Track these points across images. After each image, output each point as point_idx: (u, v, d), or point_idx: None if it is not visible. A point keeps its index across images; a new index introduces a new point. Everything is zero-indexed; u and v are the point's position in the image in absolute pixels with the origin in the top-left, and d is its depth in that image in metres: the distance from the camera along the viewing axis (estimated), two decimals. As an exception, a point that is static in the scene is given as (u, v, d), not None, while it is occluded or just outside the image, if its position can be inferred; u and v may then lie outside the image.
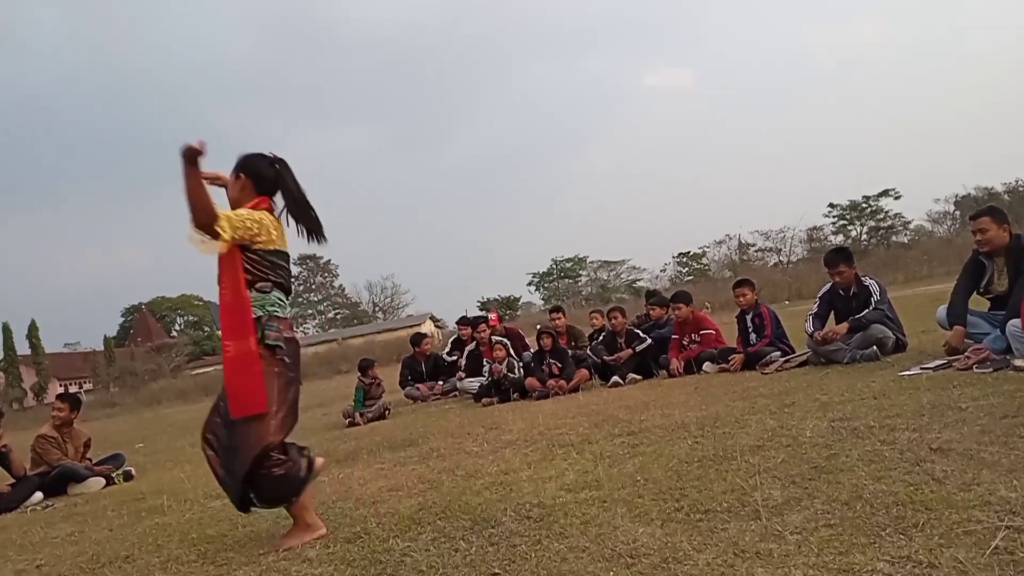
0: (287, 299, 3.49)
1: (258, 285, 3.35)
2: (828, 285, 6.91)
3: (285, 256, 3.47)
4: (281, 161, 3.53)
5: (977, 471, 2.61)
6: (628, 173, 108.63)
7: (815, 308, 6.88)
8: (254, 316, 3.29)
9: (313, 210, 3.57)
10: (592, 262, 73.32)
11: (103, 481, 6.83)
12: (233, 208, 3.44)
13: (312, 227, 3.56)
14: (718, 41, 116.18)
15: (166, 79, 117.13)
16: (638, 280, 69.02)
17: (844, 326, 6.40)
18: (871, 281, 6.64)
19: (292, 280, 3.55)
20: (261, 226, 3.34)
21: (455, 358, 10.96)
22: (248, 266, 3.32)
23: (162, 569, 3.22)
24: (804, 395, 4.97)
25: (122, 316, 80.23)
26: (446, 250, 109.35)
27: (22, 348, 57.09)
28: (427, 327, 48.69)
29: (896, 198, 59.43)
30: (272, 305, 3.37)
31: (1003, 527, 2.06)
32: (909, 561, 1.97)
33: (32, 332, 57.23)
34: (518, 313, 62.00)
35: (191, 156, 3.09)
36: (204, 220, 3.09)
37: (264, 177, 3.51)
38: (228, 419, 3.25)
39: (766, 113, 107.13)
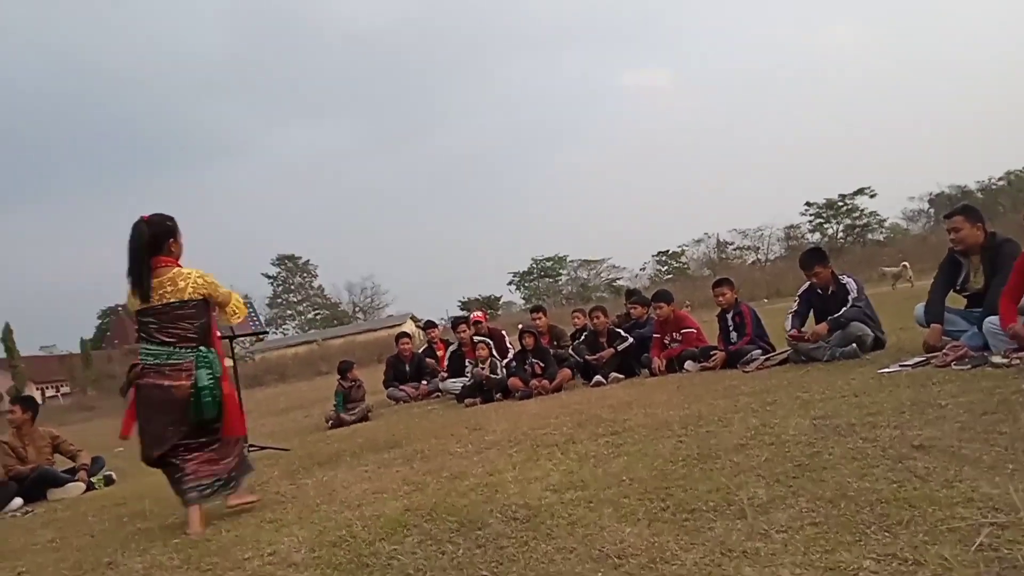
0: (152, 347, 4.02)
1: None
2: (807, 284, 6.96)
3: (143, 312, 4.03)
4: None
5: (959, 468, 2.64)
6: (607, 172, 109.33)
7: (795, 306, 6.94)
8: None
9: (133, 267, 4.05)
10: (572, 261, 73.65)
11: (83, 486, 6.75)
12: None
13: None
14: (694, 41, 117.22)
15: (144, 76, 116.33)
16: (618, 279, 69.45)
17: (823, 326, 6.46)
18: (848, 279, 6.69)
19: (156, 329, 4.01)
20: (129, 295, 4.09)
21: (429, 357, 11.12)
22: None
23: (145, 574, 3.19)
24: (785, 393, 5.00)
25: (98, 318, 79.38)
26: (426, 249, 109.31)
27: (-4, 352, 56.32)
28: (408, 327, 48.54)
29: (871, 196, 60.30)
30: (141, 356, 4.06)
31: (987, 524, 2.09)
32: (895, 559, 1.99)
33: (7, 335, 56.35)
34: (499, 312, 61.95)
35: None
36: None
37: None
38: None
39: (743, 112, 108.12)
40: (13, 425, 7.06)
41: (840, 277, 6.72)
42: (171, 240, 4.13)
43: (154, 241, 4.03)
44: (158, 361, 3.97)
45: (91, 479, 6.88)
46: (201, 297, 4.08)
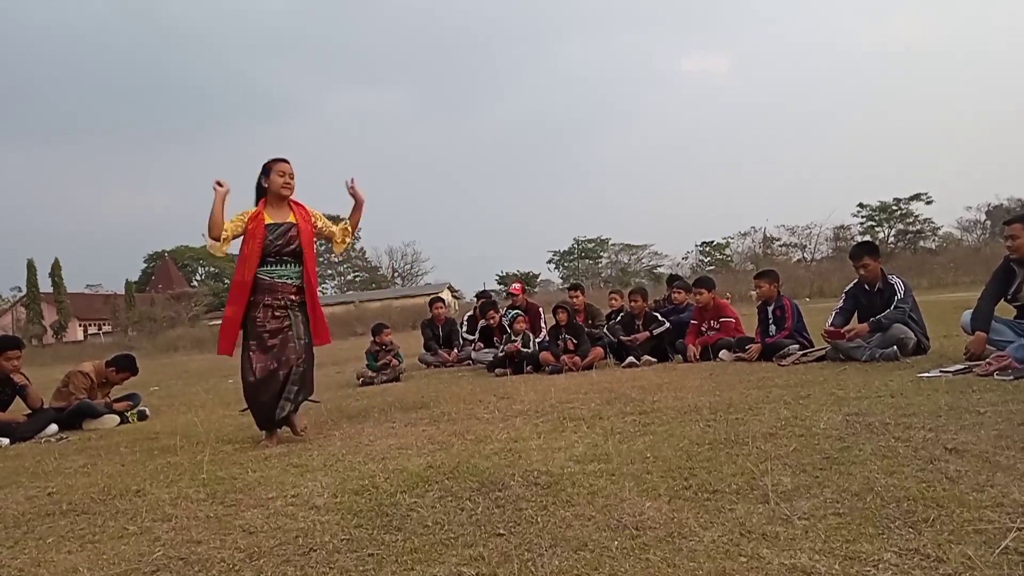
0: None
1: None
2: (854, 280, 6.85)
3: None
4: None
5: (992, 473, 2.58)
6: (656, 158, 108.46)
7: (840, 303, 6.84)
8: None
9: None
10: (614, 244, 73.35)
11: (118, 419, 6.93)
12: None
13: None
14: (756, 30, 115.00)
15: (201, 27, 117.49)
16: (659, 266, 68.92)
17: (864, 327, 6.35)
18: (897, 280, 6.56)
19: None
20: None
21: (474, 338, 10.81)
22: None
23: (172, 504, 3.26)
24: (820, 388, 4.94)
25: (144, 262, 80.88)
26: (469, 222, 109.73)
27: (45, 286, 57.77)
28: (445, 296, 48.73)
29: (927, 203, 59.14)
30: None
31: (1015, 528, 2.04)
32: (917, 554, 1.96)
33: (55, 271, 57.69)
34: (536, 290, 61.93)
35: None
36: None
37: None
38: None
39: (800, 107, 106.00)
40: (107, 387, 7.49)
41: (889, 276, 6.59)
42: None
43: None
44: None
45: (126, 413, 7.05)
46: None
